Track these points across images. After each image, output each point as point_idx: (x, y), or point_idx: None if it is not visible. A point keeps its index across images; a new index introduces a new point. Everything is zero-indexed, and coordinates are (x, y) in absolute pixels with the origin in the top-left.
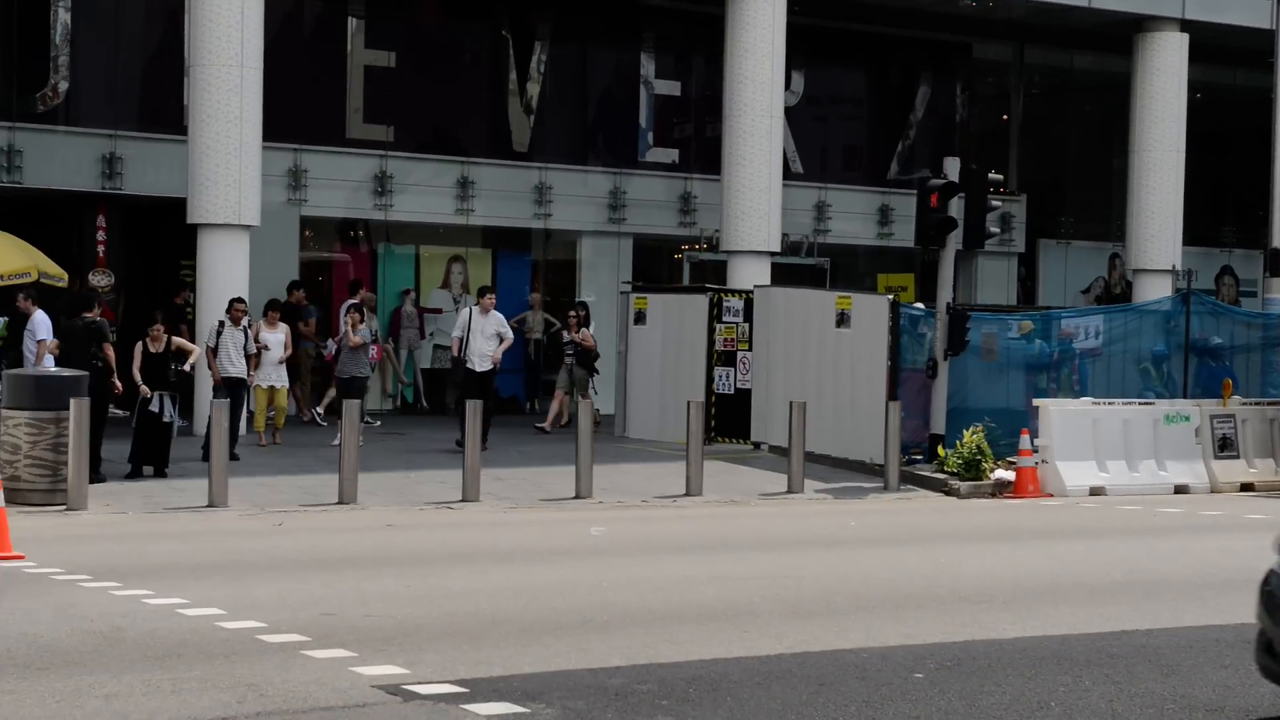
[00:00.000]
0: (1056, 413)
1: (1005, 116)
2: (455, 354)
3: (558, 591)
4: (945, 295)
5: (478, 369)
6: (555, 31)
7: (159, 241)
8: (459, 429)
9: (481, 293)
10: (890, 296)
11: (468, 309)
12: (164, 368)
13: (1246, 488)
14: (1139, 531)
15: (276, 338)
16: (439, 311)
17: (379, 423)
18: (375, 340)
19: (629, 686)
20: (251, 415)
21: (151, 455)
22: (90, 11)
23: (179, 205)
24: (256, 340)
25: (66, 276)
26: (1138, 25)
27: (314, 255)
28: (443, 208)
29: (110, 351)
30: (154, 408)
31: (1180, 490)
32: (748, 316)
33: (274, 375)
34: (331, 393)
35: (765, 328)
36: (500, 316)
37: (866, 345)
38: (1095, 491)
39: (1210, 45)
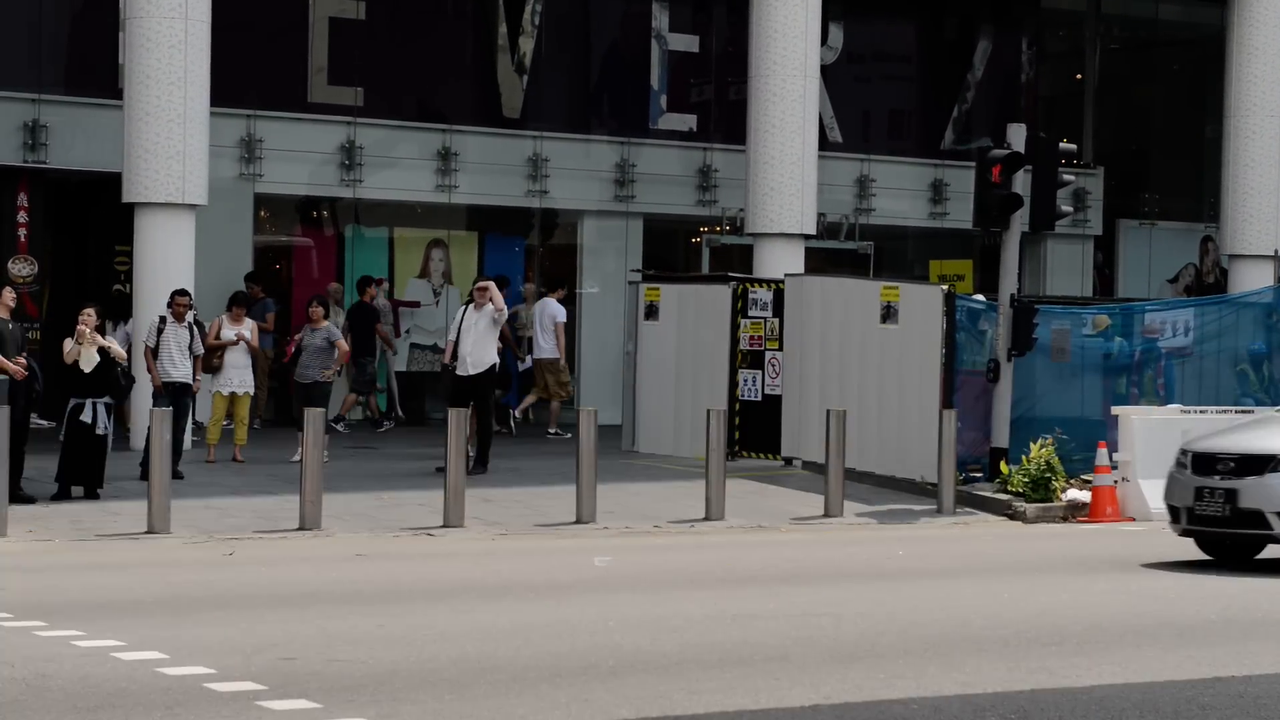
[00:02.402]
0: (1139, 423)
1: (1079, 76)
2: (446, 359)
3: (556, 632)
4: (1009, 285)
5: (470, 372)
6: None
7: (90, 223)
8: (443, 450)
9: (476, 284)
10: (945, 287)
11: (463, 308)
12: (104, 370)
13: None
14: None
15: (243, 335)
16: (416, 305)
17: (343, 427)
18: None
19: None
20: (199, 426)
21: (82, 473)
22: None
23: (113, 181)
24: (216, 338)
25: None
26: None
27: (271, 239)
28: (421, 184)
29: None
30: (86, 418)
31: None
32: (777, 310)
33: (236, 379)
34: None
35: (798, 324)
36: (491, 307)
37: (917, 344)
38: None
39: None
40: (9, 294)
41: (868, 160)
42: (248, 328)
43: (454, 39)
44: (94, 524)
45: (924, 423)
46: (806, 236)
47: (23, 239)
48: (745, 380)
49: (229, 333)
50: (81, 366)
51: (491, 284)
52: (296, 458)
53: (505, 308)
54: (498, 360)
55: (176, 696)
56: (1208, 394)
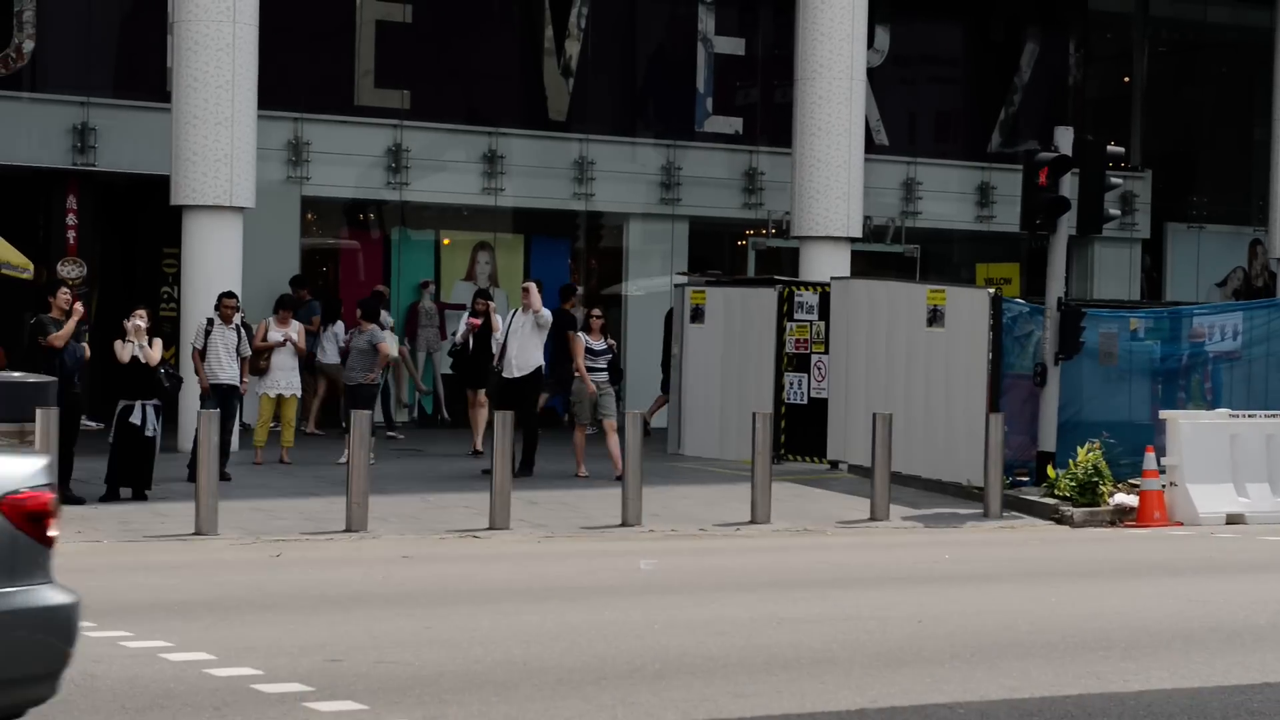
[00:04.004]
0: (1187, 426)
1: (1127, 78)
2: (495, 364)
3: (601, 635)
4: (1056, 289)
5: (515, 374)
6: None
7: (138, 226)
8: (488, 454)
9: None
10: (991, 290)
11: (513, 312)
12: (149, 372)
13: None
14: None
15: (290, 337)
16: (463, 307)
17: (401, 435)
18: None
19: None
20: (247, 428)
21: (131, 474)
22: None
23: (161, 184)
24: (264, 341)
25: (32, 267)
26: None
27: (318, 242)
28: (467, 186)
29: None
30: (135, 419)
31: None
32: (824, 314)
33: (284, 382)
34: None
35: (844, 327)
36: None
37: (963, 347)
38: (1233, 519)
39: None
40: (64, 295)
41: (914, 163)
42: (295, 330)
43: (500, 42)
44: (142, 525)
45: (970, 426)
46: (852, 239)
47: (72, 241)
48: (791, 383)
49: (276, 335)
50: (122, 361)
51: (532, 286)
52: (343, 459)
53: (544, 310)
54: (544, 363)
55: (224, 697)
56: (1256, 398)
